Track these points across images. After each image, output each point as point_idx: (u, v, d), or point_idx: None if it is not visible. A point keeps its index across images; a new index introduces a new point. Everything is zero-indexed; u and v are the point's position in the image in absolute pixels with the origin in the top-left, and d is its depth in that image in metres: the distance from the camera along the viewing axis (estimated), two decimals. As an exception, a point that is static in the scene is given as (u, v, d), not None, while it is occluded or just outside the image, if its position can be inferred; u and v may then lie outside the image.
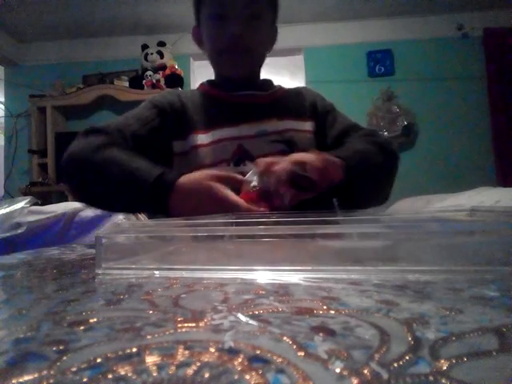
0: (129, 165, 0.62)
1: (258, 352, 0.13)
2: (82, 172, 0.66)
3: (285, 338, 0.14)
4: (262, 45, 0.81)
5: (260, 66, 0.85)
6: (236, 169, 0.73)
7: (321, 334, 0.14)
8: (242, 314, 0.17)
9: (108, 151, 0.64)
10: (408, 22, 2.96)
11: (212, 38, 0.78)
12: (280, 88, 0.90)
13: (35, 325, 0.17)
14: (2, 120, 3.14)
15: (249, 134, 0.76)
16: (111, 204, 0.71)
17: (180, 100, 0.80)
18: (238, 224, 0.40)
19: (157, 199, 0.58)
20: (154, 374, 0.11)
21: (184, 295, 0.21)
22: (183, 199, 0.57)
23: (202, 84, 0.88)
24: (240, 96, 0.81)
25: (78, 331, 0.16)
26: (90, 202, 0.72)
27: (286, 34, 1.34)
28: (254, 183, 0.57)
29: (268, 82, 0.90)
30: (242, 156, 0.74)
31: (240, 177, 0.59)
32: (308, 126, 0.82)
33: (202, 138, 0.75)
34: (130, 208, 0.75)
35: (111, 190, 0.63)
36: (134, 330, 0.16)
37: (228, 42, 0.74)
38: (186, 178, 0.58)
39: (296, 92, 0.90)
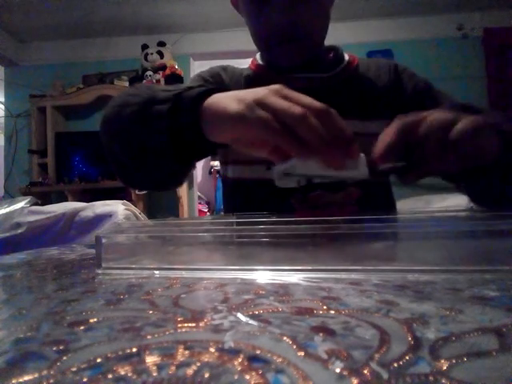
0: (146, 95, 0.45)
1: (257, 352, 0.13)
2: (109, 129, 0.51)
3: (285, 338, 0.14)
4: (320, 27, 0.60)
5: (322, 44, 0.65)
6: (264, 173, 0.58)
7: (321, 334, 0.14)
8: (242, 314, 0.17)
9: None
10: (408, 21, 2.95)
11: (253, 27, 0.60)
12: (350, 63, 0.66)
13: (35, 325, 0.17)
14: (2, 120, 3.14)
15: None
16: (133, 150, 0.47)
17: (230, 79, 0.69)
18: (238, 224, 0.40)
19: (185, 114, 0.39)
20: (154, 374, 0.11)
21: (184, 295, 0.21)
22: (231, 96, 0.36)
23: (254, 59, 0.71)
24: (292, 79, 0.62)
25: (78, 331, 0.16)
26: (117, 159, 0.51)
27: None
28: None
29: (336, 54, 0.67)
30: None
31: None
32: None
33: None
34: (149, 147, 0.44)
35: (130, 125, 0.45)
36: (134, 330, 0.16)
37: (273, 32, 0.57)
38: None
39: (376, 67, 0.66)
